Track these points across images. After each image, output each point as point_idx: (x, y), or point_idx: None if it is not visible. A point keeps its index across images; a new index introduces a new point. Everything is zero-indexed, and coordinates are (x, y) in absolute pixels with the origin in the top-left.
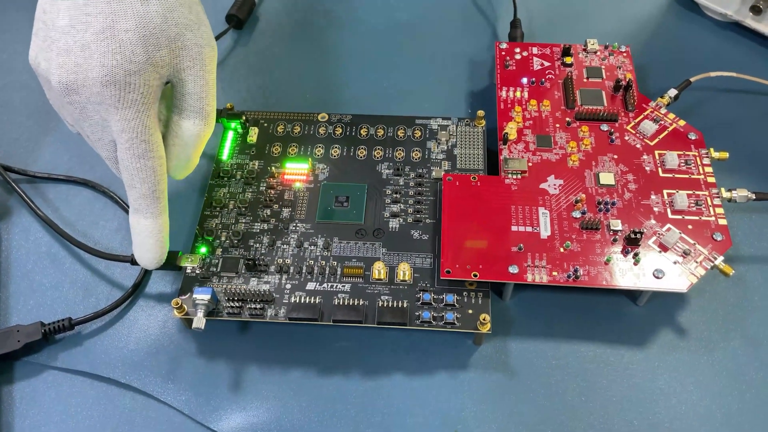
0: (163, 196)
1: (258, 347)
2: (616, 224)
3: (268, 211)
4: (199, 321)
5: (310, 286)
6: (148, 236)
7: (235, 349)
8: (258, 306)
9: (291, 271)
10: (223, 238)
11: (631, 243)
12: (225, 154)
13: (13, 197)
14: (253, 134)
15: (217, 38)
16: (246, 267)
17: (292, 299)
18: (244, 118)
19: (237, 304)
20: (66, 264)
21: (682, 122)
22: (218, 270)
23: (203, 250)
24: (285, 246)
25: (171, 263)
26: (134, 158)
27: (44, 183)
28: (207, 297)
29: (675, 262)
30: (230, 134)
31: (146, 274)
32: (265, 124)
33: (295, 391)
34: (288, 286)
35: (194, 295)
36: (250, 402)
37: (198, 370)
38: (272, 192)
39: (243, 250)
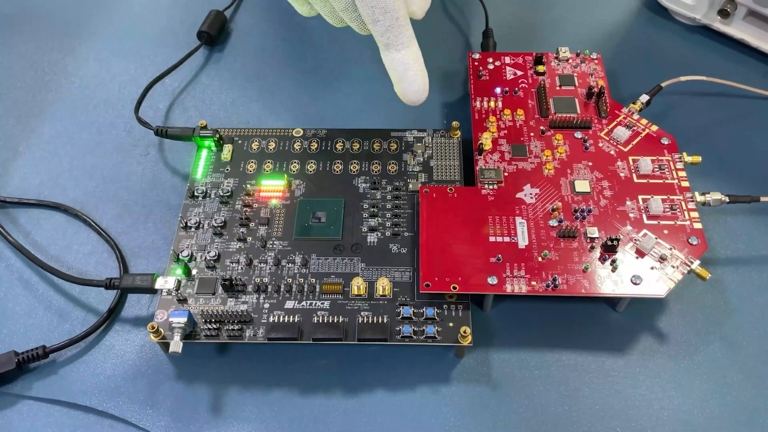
0: (407, 24)
1: (237, 369)
2: (593, 231)
3: (245, 230)
4: (176, 345)
5: (289, 304)
6: (406, 69)
7: (214, 372)
8: (236, 327)
9: (269, 290)
10: (198, 259)
11: (608, 250)
12: (199, 173)
13: None
14: (228, 152)
15: (188, 56)
16: (223, 287)
17: (271, 319)
18: (217, 135)
19: (214, 326)
20: (39, 290)
21: (654, 127)
22: (194, 291)
23: (179, 271)
24: (262, 265)
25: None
26: None
27: (15, 208)
28: (183, 320)
29: (652, 268)
30: (204, 152)
31: (121, 298)
32: (240, 141)
33: (276, 412)
34: (266, 305)
35: (170, 319)
36: (231, 425)
37: (177, 394)
38: (248, 210)
39: (219, 271)
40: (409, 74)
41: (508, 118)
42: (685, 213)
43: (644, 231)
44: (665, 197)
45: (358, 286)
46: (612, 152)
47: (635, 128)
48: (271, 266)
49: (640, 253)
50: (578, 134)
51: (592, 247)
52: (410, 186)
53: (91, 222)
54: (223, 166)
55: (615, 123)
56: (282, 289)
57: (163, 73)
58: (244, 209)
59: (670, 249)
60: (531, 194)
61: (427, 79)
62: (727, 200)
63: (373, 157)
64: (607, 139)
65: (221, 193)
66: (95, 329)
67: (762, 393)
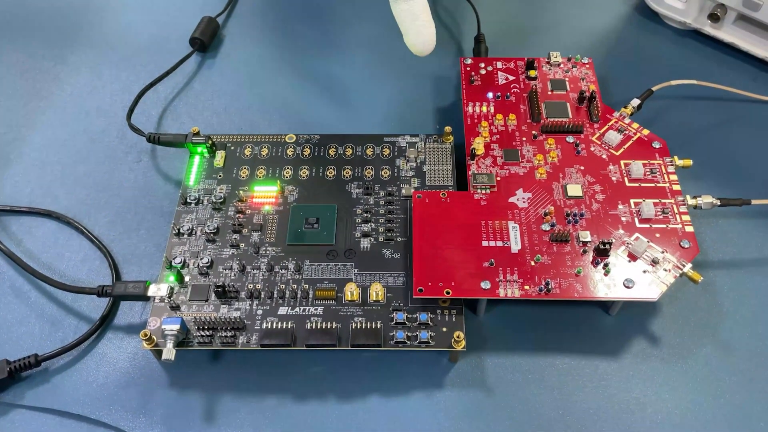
0: None
1: (230, 376)
2: (585, 235)
3: (237, 236)
4: (169, 352)
5: (282, 310)
6: (414, 18)
7: (208, 379)
8: (229, 334)
9: (262, 296)
10: (191, 266)
11: (601, 254)
12: (191, 180)
13: None
14: (220, 158)
15: (180, 62)
16: (216, 294)
17: (264, 325)
18: (210, 141)
19: (207, 333)
20: (31, 298)
21: (646, 131)
22: (187, 298)
23: (172, 278)
24: (255, 271)
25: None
26: None
27: (6, 215)
28: (176, 327)
29: (644, 271)
30: (196, 159)
31: (114, 305)
32: (232, 147)
33: (270, 419)
34: (259, 312)
35: (163, 326)
36: None
37: (170, 402)
38: (241, 216)
39: (212, 277)
40: (417, 24)
41: (500, 122)
42: (677, 216)
43: (636, 234)
44: (657, 201)
45: (351, 291)
46: (604, 156)
47: (627, 132)
48: (264, 272)
49: (633, 257)
50: (570, 138)
51: (585, 251)
52: (403, 191)
53: (83, 229)
54: (216, 173)
55: (606, 127)
56: (275, 296)
57: (155, 80)
58: (237, 215)
59: (663, 252)
60: (523, 199)
61: (434, 29)
62: (719, 203)
63: (365, 162)
64: (599, 143)
65: (214, 200)
66: (88, 337)
67: (755, 395)
